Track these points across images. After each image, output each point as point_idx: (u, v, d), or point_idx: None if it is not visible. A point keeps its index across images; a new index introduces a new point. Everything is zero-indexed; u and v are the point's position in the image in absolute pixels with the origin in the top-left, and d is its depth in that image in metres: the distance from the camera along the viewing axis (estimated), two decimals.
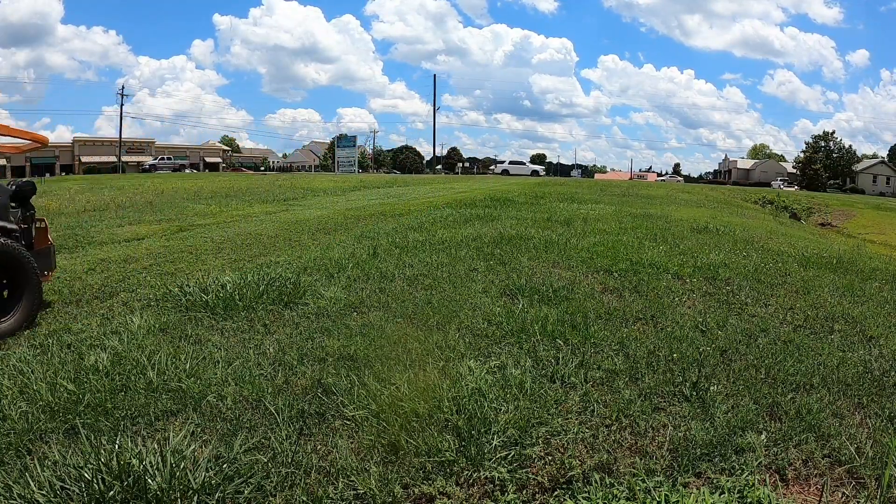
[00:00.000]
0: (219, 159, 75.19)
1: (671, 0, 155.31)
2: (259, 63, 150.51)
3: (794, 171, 69.45)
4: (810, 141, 69.55)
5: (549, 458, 2.06)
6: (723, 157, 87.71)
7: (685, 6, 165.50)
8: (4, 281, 3.66)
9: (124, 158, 60.80)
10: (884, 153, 75.19)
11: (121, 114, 69.31)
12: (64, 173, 53.38)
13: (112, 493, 1.82)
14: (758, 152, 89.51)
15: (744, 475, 1.97)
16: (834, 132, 69.16)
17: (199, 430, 2.28)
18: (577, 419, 2.31)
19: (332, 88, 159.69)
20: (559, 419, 2.30)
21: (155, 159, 58.23)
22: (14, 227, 3.91)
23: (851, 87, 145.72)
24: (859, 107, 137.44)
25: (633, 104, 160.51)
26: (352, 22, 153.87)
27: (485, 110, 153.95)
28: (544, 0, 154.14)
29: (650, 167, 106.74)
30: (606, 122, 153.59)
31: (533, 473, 1.99)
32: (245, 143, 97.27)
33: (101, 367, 2.89)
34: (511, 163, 41.90)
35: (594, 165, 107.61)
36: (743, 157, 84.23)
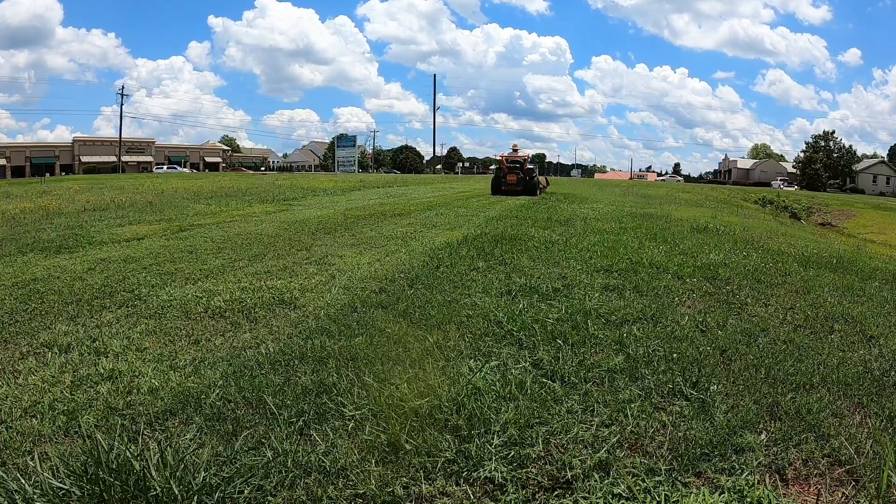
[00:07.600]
0: (219, 159, 75.10)
1: (657, 0, 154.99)
2: (255, 64, 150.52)
3: (795, 170, 69.42)
4: (809, 141, 69.65)
5: (549, 458, 2.06)
6: (721, 156, 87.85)
7: (673, 6, 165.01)
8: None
9: (124, 158, 60.80)
10: (880, 152, 75.28)
11: (121, 114, 69.47)
12: (64, 173, 53.35)
13: (112, 493, 1.82)
14: (758, 152, 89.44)
15: (744, 475, 1.97)
16: (834, 132, 69.25)
17: (199, 430, 2.27)
18: (577, 419, 2.31)
19: (329, 89, 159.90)
20: (559, 419, 2.30)
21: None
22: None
23: (845, 87, 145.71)
24: (853, 105, 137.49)
25: (629, 104, 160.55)
26: (346, 23, 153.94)
27: (481, 110, 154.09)
28: (534, 1, 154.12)
29: (650, 167, 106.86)
30: (602, 121, 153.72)
31: (533, 473, 1.99)
32: (244, 142, 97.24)
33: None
34: None
35: (594, 165, 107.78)
36: (743, 157, 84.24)
